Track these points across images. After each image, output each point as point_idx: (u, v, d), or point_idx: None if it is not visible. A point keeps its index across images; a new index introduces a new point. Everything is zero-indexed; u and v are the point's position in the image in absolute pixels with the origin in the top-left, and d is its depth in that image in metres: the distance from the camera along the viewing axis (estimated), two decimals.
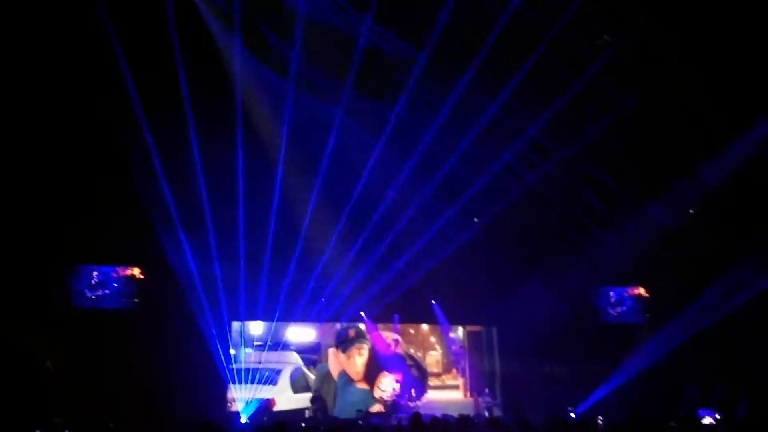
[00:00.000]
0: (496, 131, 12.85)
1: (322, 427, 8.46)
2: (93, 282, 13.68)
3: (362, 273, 14.59)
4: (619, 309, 15.77)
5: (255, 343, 14.99)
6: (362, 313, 15.36)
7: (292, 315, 14.61)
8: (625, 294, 15.76)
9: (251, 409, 13.64)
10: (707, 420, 8.00)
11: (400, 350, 15.81)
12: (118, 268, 13.69)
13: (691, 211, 14.05)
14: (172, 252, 12.77)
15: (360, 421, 11.78)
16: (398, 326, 15.81)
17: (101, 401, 11.02)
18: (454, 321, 15.87)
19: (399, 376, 15.18)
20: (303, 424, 9.83)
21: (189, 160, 12.29)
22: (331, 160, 13.10)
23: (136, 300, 13.64)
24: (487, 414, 14.34)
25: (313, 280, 14.45)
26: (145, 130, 11.71)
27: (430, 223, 14.14)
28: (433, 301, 15.68)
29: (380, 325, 15.69)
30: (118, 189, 12.16)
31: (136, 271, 13.71)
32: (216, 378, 13.28)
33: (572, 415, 13.14)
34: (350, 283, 14.66)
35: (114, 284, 13.75)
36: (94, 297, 13.57)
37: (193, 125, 12.08)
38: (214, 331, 13.22)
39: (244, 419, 13.33)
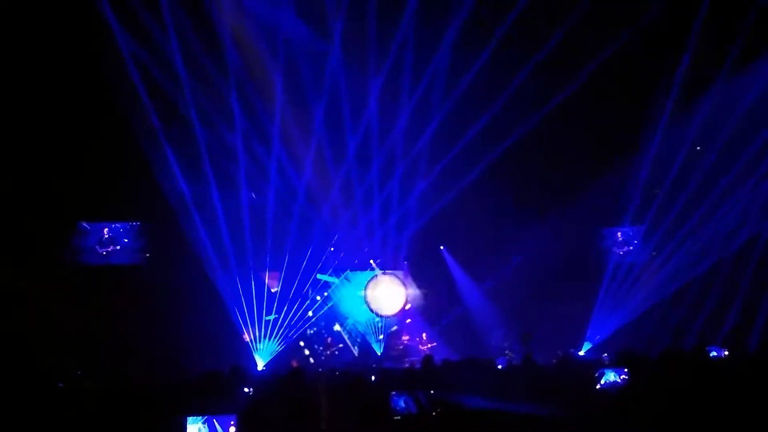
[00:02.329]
0: (497, 72, 12.59)
1: (337, 372, 8.66)
2: (104, 238, 13.81)
3: (374, 222, 14.65)
4: (625, 248, 15.83)
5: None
6: (372, 262, 15.48)
7: (306, 265, 14.76)
8: (631, 233, 15.78)
9: (267, 357, 13.98)
10: (713, 354, 8.15)
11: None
12: (129, 224, 13.80)
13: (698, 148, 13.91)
14: (182, 207, 12.83)
15: (374, 365, 12.05)
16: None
17: (118, 354, 11.25)
18: (463, 266, 15.98)
19: (411, 321, 15.43)
20: (320, 369, 10.09)
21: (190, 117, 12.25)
22: (332, 108, 12.97)
23: (147, 255, 13.81)
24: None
25: (321, 229, 14.56)
26: (144, 90, 11.63)
27: (435, 168, 14.07)
28: (442, 247, 15.76)
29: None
30: (128, 148, 12.12)
31: (146, 227, 13.81)
32: (230, 328, 13.53)
33: (580, 354, 13.36)
34: (359, 232, 14.74)
35: (125, 240, 13.89)
36: (105, 253, 13.73)
37: (190, 80, 11.96)
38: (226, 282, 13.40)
39: (260, 366, 13.65)
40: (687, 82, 12.36)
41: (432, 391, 3.78)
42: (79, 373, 9.50)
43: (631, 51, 11.91)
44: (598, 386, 5.58)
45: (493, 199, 14.65)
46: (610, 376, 8.93)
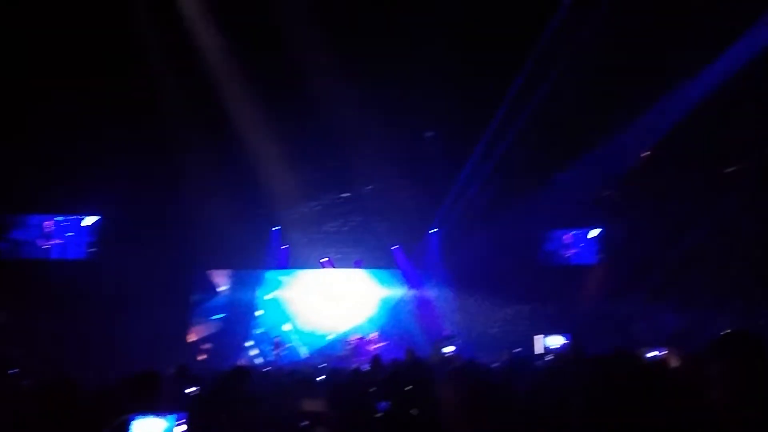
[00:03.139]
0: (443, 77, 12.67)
1: (285, 371, 8.59)
2: (45, 232, 13.35)
3: (324, 219, 14.62)
4: (573, 250, 16.26)
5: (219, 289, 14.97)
6: (324, 260, 15.45)
7: (256, 263, 14.62)
8: (579, 236, 16.21)
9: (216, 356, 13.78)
10: (651, 353, 8.43)
11: None
12: (72, 218, 13.38)
13: (644, 153, 14.35)
14: (129, 202, 12.51)
15: (322, 365, 12.00)
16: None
17: (58, 352, 10.88)
18: (415, 265, 16.10)
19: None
20: (267, 368, 9.99)
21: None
22: (290, 100, 12.82)
23: (91, 250, 13.41)
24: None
25: (274, 226, 14.44)
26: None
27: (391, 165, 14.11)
28: (395, 247, 15.84)
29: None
30: (73, 140, 11.73)
31: (91, 221, 13.42)
32: (178, 325, 13.29)
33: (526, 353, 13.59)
34: (311, 229, 14.68)
35: (68, 234, 13.46)
36: (46, 247, 13.28)
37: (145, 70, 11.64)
38: (175, 280, 13.15)
39: (206, 366, 13.43)
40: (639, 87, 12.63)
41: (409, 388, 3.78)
42: (16, 370, 9.15)
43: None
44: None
45: (440, 198, 14.84)
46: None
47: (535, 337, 13.67)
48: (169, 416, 3.47)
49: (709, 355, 2.80)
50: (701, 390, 2.90)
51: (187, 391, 5.75)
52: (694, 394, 3.07)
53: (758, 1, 10.29)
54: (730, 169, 12.89)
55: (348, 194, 14.72)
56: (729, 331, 2.77)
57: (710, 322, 10.95)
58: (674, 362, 5.10)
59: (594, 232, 16.04)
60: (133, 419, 3.28)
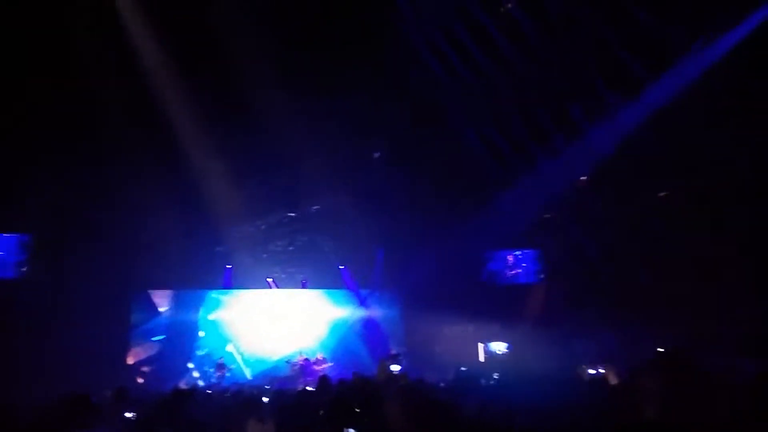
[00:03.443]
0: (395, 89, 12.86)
1: (228, 393, 8.41)
2: None
3: (269, 238, 14.48)
4: (515, 270, 16.63)
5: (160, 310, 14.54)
6: (269, 279, 15.26)
7: (198, 283, 14.31)
8: (521, 256, 16.61)
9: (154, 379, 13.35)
10: (591, 371, 8.70)
11: None
12: (4, 236, 12.80)
13: (583, 177, 14.87)
14: (66, 219, 12.07)
15: (267, 386, 11.79)
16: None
17: None
18: (361, 285, 16.10)
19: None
20: (209, 390, 9.73)
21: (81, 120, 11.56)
22: (235, 118, 12.70)
23: (24, 269, 12.85)
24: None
25: (218, 246, 14.20)
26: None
27: (338, 186, 14.14)
28: (341, 267, 15.82)
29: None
30: (7, 156, 11.27)
31: (24, 239, 12.87)
32: (116, 346, 12.83)
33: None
34: (257, 248, 14.51)
35: (1, 252, 12.87)
36: None
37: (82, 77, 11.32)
38: (112, 300, 12.72)
39: (146, 388, 13.00)
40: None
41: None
42: None
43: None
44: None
45: (386, 219, 14.93)
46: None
47: (479, 344, 13.96)
48: None
49: (645, 372, 2.93)
50: (638, 406, 3.02)
51: (126, 414, 5.57)
52: (632, 410, 3.19)
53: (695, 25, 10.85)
54: (663, 194, 13.50)
55: (294, 214, 14.63)
56: (663, 349, 2.90)
57: (646, 341, 11.36)
58: (613, 380, 5.29)
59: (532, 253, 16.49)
60: None
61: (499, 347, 13.45)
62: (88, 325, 12.11)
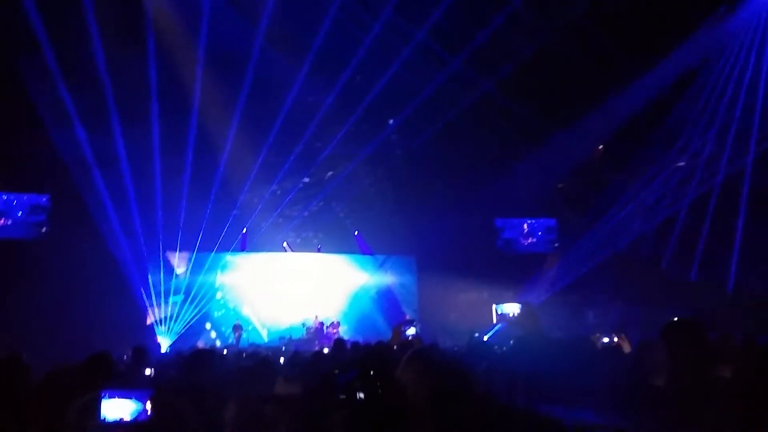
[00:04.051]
0: (415, 60, 12.72)
1: (245, 354, 8.57)
2: None
3: (285, 203, 14.54)
4: (530, 239, 16.61)
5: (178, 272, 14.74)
6: (285, 244, 15.37)
7: (213, 245, 14.46)
8: (536, 225, 16.56)
9: (173, 338, 13.64)
10: (605, 339, 8.74)
11: None
12: (23, 196, 12.97)
13: (600, 147, 14.73)
14: (83, 180, 12.19)
15: (283, 347, 12.01)
16: None
17: (7, 332, 10.59)
18: (376, 250, 16.18)
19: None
20: (225, 351, 9.92)
21: (99, 83, 11.57)
22: (251, 85, 12.67)
23: (44, 230, 13.05)
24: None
25: (234, 209, 14.29)
26: (49, 51, 10.86)
27: (353, 152, 14.12)
28: (356, 232, 15.88)
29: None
30: (23, 117, 11.34)
31: (43, 200, 13.03)
32: (133, 308, 13.07)
33: (485, 338, 13.88)
34: (273, 213, 14.58)
35: (19, 213, 13.05)
36: None
37: (103, 45, 11.30)
38: (130, 260, 12.91)
39: (164, 348, 13.29)
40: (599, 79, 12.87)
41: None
42: None
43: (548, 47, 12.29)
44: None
45: (405, 187, 14.93)
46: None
47: (494, 305, 14.07)
48: (137, 396, 3.47)
49: (657, 341, 2.94)
50: (649, 374, 3.05)
51: (145, 372, 5.71)
52: (644, 378, 3.22)
53: None
54: (681, 163, 13.33)
55: (310, 179, 14.64)
56: (675, 318, 2.91)
57: (659, 312, 11.38)
58: (626, 348, 5.31)
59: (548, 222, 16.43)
60: (102, 397, 3.26)
61: (513, 309, 13.51)
62: (106, 286, 12.34)
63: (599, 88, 12.75)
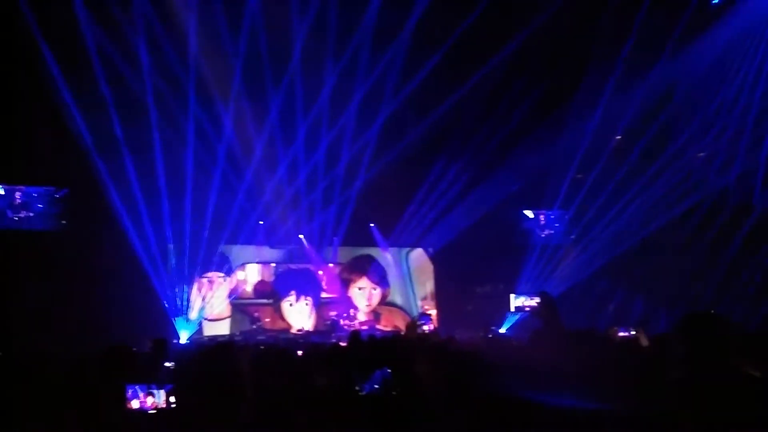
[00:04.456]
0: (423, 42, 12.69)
1: (262, 346, 8.66)
2: (15, 203, 13.13)
3: (301, 196, 14.59)
4: (547, 231, 16.51)
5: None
6: (301, 236, 15.44)
7: (233, 238, 14.58)
8: (553, 217, 16.46)
9: (192, 329, 13.79)
10: (623, 333, 8.69)
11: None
12: (43, 189, 13.17)
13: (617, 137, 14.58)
14: (103, 173, 12.35)
15: (300, 340, 12.10)
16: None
17: (28, 324, 10.78)
18: (392, 243, 16.21)
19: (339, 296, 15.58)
20: (243, 343, 10.03)
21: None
22: (266, 76, 12.76)
23: (63, 222, 13.24)
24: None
25: (257, 204, 14.41)
26: (61, 51, 11.05)
27: (367, 146, 14.15)
28: (372, 225, 15.91)
29: None
30: (43, 108, 11.50)
31: (62, 192, 13.23)
32: (152, 300, 13.23)
33: (500, 331, 13.90)
34: (289, 206, 14.64)
35: (39, 205, 13.25)
36: (17, 218, 13.07)
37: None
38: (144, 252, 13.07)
39: (184, 339, 13.46)
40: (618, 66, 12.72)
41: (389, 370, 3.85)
42: None
43: (564, 33, 12.16)
44: None
45: (419, 179, 14.90)
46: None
47: (512, 295, 14.09)
48: (159, 388, 3.56)
49: (674, 335, 2.93)
50: (666, 368, 3.04)
51: (166, 364, 5.79)
52: (660, 371, 3.21)
53: None
54: (701, 154, 13.17)
55: (327, 173, 14.68)
56: (693, 312, 2.89)
57: (676, 305, 11.31)
58: (644, 342, 5.30)
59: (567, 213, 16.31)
60: (126, 388, 3.35)
61: (531, 301, 13.48)
62: (125, 277, 12.50)
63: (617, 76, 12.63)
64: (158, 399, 3.62)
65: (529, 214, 16.45)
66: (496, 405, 3.04)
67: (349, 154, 14.24)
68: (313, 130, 13.73)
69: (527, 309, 13.85)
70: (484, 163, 14.59)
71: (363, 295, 15.92)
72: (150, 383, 3.65)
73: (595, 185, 14.67)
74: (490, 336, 10.25)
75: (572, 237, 16.23)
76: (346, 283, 15.88)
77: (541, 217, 16.47)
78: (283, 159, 14.00)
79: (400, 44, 12.61)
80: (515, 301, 14.47)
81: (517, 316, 14.14)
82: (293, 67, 12.68)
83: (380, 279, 16.09)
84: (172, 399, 3.66)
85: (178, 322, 13.69)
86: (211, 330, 14.28)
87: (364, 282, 15.98)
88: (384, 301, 16.07)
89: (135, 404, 3.71)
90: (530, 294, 14.31)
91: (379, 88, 13.17)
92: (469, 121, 13.78)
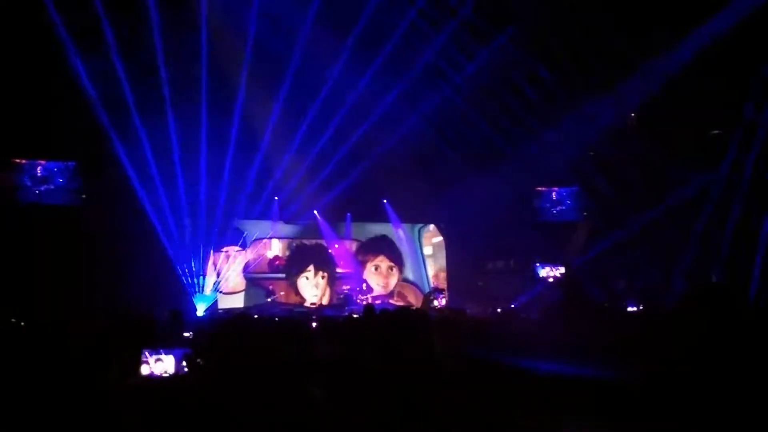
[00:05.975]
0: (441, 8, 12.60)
1: (277, 318, 8.82)
2: (37, 177, 13.33)
3: (315, 172, 14.65)
4: (559, 207, 16.47)
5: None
6: (315, 212, 15.53)
7: (248, 213, 14.72)
8: (565, 193, 16.40)
9: (208, 302, 14.03)
10: (631, 309, 8.77)
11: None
12: (63, 164, 13.34)
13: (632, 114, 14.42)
14: (122, 148, 12.51)
15: (314, 315, 12.27)
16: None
17: (51, 296, 11.00)
18: (404, 219, 16.27)
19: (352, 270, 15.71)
20: (255, 315, 10.20)
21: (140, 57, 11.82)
22: (280, 49, 12.79)
23: (83, 196, 13.43)
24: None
25: (269, 180, 14.51)
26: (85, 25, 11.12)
27: (379, 121, 14.14)
28: (385, 201, 15.96)
29: None
30: (64, 83, 11.62)
31: (79, 165, 13.41)
32: (170, 274, 13.45)
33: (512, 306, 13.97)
34: (304, 182, 14.73)
35: (59, 180, 13.44)
36: (38, 192, 13.27)
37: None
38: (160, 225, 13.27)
39: (200, 312, 13.70)
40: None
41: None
42: (14, 320, 9.26)
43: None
44: None
45: (432, 156, 14.87)
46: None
47: (536, 264, 14.06)
48: (174, 354, 3.69)
49: (683, 306, 2.98)
50: (675, 340, 3.09)
51: (185, 334, 5.95)
52: (669, 344, 3.27)
53: None
54: (715, 132, 13.01)
55: (341, 146, 14.70)
56: (703, 283, 2.94)
57: (685, 279, 11.25)
58: (651, 315, 5.35)
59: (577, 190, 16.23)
60: (143, 355, 3.47)
61: (554, 272, 13.44)
62: (144, 253, 12.72)
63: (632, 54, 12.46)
64: (167, 365, 3.74)
65: (541, 189, 16.40)
66: (502, 373, 3.12)
67: (363, 128, 14.24)
68: (327, 105, 13.73)
69: (550, 280, 13.81)
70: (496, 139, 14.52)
71: (379, 274, 16.03)
72: (166, 348, 3.77)
73: (607, 161, 14.55)
74: (499, 310, 10.35)
75: (585, 213, 16.17)
76: (362, 264, 15.98)
77: (553, 194, 16.42)
78: (297, 134, 14.04)
79: (417, 11, 12.53)
80: (541, 272, 14.38)
81: (533, 289, 14.16)
82: (307, 39, 12.64)
83: (396, 258, 16.18)
84: (184, 363, 3.78)
85: (195, 296, 13.92)
86: (226, 303, 14.48)
87: (380, 260, 16.09)
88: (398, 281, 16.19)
89: (150, 369, 3.84)
90: (555, 265, 14.24)
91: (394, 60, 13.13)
92: (485, 98, 13.73)
